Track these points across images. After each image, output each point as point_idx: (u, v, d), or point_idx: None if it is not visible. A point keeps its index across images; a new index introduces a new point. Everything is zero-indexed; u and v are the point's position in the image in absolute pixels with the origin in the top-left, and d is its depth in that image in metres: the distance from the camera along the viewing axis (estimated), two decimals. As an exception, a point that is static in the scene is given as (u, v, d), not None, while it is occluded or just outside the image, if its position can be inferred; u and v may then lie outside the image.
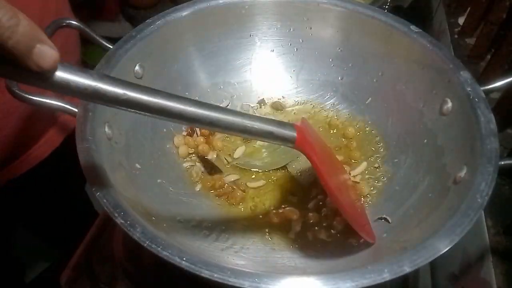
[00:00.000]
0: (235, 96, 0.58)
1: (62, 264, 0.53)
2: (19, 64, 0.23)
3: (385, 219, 0.45)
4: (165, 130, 0.53)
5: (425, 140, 0.47)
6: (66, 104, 0.40)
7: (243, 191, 0.50)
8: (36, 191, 0.67)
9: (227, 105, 0.58)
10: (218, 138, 0.55)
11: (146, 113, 0.29)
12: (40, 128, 0.60)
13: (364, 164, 0.52)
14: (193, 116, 0.30)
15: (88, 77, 0.26)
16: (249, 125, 0.33)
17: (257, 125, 0.33)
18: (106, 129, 0.42)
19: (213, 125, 0.31)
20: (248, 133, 0.33)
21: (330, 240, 0.46)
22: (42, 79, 0.24)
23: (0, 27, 0.21)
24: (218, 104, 0.57)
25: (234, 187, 0.50)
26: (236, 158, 0.53)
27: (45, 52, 0.23)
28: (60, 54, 0.24)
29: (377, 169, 0.51)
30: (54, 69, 0.24)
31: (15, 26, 0.21)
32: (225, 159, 0.53)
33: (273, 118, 0.37)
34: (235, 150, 0.53)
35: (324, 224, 0.47)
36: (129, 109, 0.29)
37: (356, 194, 0.48)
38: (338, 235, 0.46)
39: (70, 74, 0.25)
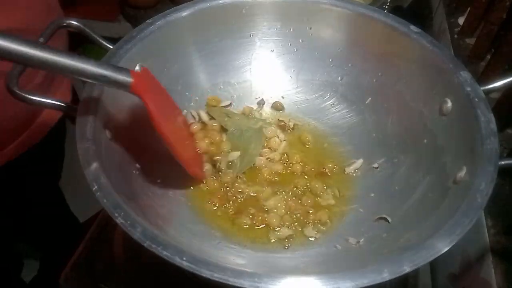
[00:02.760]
0: (235, 96, 0.58)
1: (62, 264, 0.53)
2: None
3: (385, 219, 0.45)
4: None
5: (425, 140, 0.47)
6: (66, 104, 0.40)
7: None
8: (45, 193, 0.67)
9: (228, 105, 0.58)
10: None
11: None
12: (30, 113, 0.61)
13: (361, 160, 0.52)
14: (25, 56, 0.32)
15: None
16: (83, 67, 0.35)
17: (91, 68, 0.35)
18: (106, 129, 0.42)
19: (46, 66, 0.33)
20: (82, 75, 0.35)
21: (329, 239, 0.46)
22: None
23: None
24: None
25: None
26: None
27: None
28: None
29: (377, 169, 0.51)
30: None
31: None
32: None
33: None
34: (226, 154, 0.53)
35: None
36: None
37: (194, 143, 0.52)
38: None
39: None
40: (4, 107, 0.54)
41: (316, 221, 0.47)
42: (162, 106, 0.43)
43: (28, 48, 0.32)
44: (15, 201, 0.71)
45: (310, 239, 0.46)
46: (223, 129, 0.55)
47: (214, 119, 0.56)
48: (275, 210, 0.48)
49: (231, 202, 0.49)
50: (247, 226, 0.47)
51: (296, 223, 0.47)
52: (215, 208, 0.48)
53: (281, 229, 0.47)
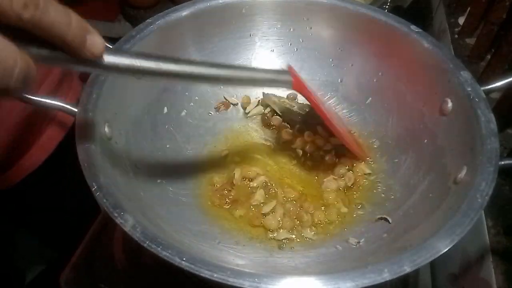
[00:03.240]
0: (235, 96, 0.58)
1: (62, 264, 0.53)
2: (75, 53, 0.27)
3: (385, 219, 0.45)
4: (166, 128, 0.53)
5: (425, 140, 0.47)
6: (66, 104, 0.40)
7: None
8: (35, 192, 0.66)
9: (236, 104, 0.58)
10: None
11: (179, 80, 0.38)
12: (33, 134, 0.60)
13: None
14: (202, 75, 0.35)
15: (129, 57, 0.31)
16: (255, 76, 0.40)
17: (261, 75, 0.40)
18: (106, 129, 0.42)
19: (225, 81, 0.38)
20: (255, 84, 0.41)
21: (330, 239, 0.46)
22: (95, 64, 0.29)
23: (60, 24, 0.25)
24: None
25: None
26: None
27: (96, 40, 0.27)
28: None
29: (377, 169, 0.51)
30: (103, 53, 0.28)
31: (69, 23, 0.25)
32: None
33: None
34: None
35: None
36: (163, 78, 0.34)
37: (346, 126, 0.55)
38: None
39: (116, 56, 0.30)
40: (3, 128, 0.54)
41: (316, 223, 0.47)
42: (317, 96, 0.48)
43: (189, 66, 0.34)
44: (16, 207, 0.71)
45: (308, 239, 0.46)
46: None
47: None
48: (273, 213, 0.48)
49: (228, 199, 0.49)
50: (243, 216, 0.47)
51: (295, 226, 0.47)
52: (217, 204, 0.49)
53: (280, 232, 0.46)
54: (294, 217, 0.47)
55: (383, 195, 0.49)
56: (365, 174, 0.51)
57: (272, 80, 0.42)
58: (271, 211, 0.48)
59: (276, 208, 0.48)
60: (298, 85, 0.43)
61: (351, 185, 0.50)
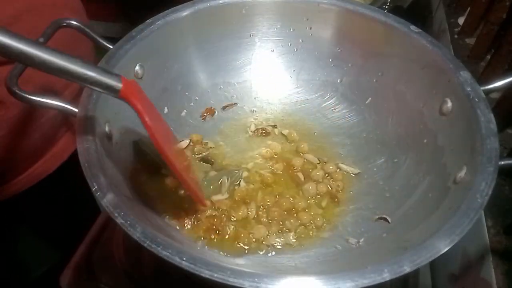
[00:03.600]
0: (235, 96, 0.58)
1: (63, 265, 0.53)
2: None
3: (385, 219, 0.45)
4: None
5: (425, 140, 0.47)
6: (66, 104, 0.40)
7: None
8: (42, 195, 0.66)
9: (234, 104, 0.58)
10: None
11: None
12: (48, 143, 0.60)
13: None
14: (17, 53, 0.30)
15: None
16: (70, 68, 0.33)
17: (79, 69, 0.33)
18: (106, 129, 0.42)
19: (35, 64, 0.32)
20: (69, 76, 0.33)
21: (330, 240, 0.46)
22: None
23: None
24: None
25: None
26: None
27: None
28: None
29: (377, 170, 0.51)
30: None
31: None
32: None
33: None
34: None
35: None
36: None
37: (186, 160, 0.48)
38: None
39: None
40: (20, 135, 0.54)
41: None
42: (154, 118, 0.40)
43: (16, 43, 0.30)
44: (20, 208, 0.71)
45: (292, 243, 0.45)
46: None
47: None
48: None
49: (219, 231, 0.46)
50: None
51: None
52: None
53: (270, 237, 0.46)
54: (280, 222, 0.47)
55: (383, 195, 0.49)
56: (353, 174, 0.51)
57: (94, 79, 0.34)
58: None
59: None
60: (127, 94, 0.36)
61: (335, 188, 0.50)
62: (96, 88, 0.35)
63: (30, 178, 0.60)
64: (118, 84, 0.35)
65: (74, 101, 0.53)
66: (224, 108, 0.57)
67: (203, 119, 0.56)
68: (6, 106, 0.50)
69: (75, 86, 0.59)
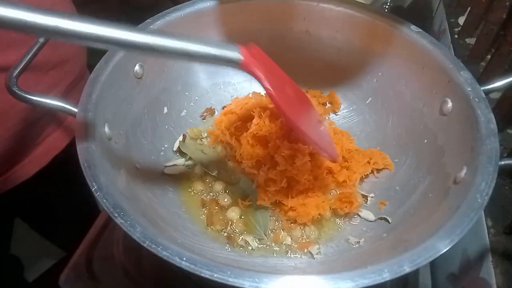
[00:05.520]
0: (235, 96, 0.58)
1: (63, 265, 0.53)
2: None
3: (385, 219, 0.46)
4: (166, 128, 0.53)
5: (425, 140, 0.47)
6: (66, 104, 0.40)
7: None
8: (39, 192, 0.66)
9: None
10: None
11: (82, 41, 0.29)
12: (39, 134, 0.59)
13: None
14: (127, 42, 0.30)
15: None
16: (188, 48, 0.32)
17: (197, 47, 0.32)
18: (106, 129, 0.42)
19: (150, 50, 0.31)
20: (188, 57, 0.33)
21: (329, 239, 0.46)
22: None
23: None
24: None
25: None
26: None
27: None
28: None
29: (377, 170, 0.51)
30: None
31: None
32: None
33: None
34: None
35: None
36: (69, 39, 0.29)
37: (318, 116, 0.47)
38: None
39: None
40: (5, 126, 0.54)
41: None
42: (278, 82, 0.39)
43: (128, 33, 0.30)
44: (18, 203, 0.71)
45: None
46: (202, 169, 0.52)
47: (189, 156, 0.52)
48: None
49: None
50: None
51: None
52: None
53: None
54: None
55: (383, 195, 0.49)
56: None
57: (213, 56, 0.33)
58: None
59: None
60: (248, 64, 0.35)
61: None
62: (217, 64, 0.34)
63: (8, 181, 0.59)
64: (238, 57, 0.34)
65: (67, 94, 0.53)
66: (224, 108, 0.57)
67: (203, 119, 0.57)
68: None
69: (61, 87, 0.58)
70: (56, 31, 0.27)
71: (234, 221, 0.47)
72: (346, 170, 0.50)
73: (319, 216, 0.47)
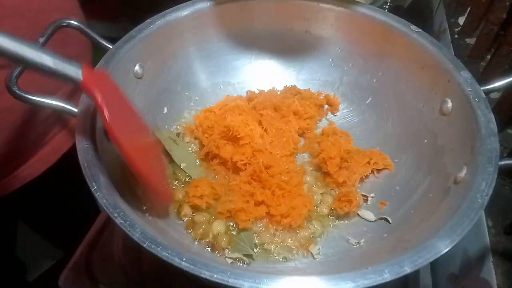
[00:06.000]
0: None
1: (63, 265, 0.53)
2: None
3: (386, 219, 0.45)
4: (166, 127, 0.52)
5: (425, 140, 0.47)
6: (66, 104, 0.40)
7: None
8: (42, 193, 0.66)
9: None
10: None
11: None
12: (47, 133, 0.60)
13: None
14: None
15: None
16: (24, 54, 0.30)
17: (34, 55, 0.31)
18: (106, 129, 0.42)
19: None
20: (23, 62, 0.31)
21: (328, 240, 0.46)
22: None
23: None
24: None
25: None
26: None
27: None
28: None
29: (377, 170, 0.51)
30: None
31: None
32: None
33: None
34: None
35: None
36: None
37: (156, 154, 0.45)
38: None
39: None
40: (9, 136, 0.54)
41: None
42: (119, 111, 0.38)
43: None
44: (19, 205, 0.71)
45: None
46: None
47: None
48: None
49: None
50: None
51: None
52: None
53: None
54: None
55: (383, 195, 0.49)
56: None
57: (47, 66, 0.32)
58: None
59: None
60: (88, 85, 0.33)
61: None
62: (55, 78, 0.33)
63: (15, 181, 0.59)
64: (78, 74, 0.33)
65: (70, 99, 0.53)
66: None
67: None
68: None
69: (69, 86, 0.58)
70: None
71: (219, 235, 0.45)
72: (346, 170, 0.49)
73: (309, 212, 0.46)
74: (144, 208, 0.41)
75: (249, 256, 0.43)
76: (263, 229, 0.46)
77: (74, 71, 0.33)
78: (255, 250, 0.44)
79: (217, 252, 0.43)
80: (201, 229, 0.45)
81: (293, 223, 0.45)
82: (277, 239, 0.45)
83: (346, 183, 0.49)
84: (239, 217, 0.45)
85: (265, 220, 0.46)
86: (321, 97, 0.57)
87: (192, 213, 0.46)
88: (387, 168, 0.51)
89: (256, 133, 0.50)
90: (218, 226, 0.45)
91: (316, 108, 0.56)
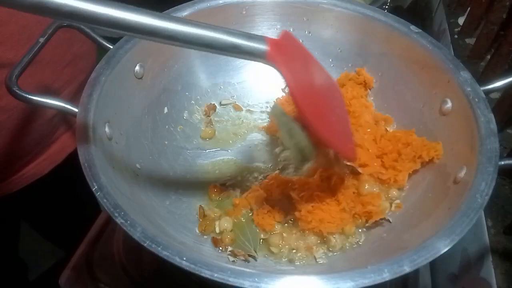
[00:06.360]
0: (235, 96, 0.58)
1: (63, 265, 0.53)
2: None
3: (386, 219, 0.45)
4: (166, 128, 0.53)
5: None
6: (66, 104, 0.40)
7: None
8: (43, 192, 0.66)
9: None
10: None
11: (101, 26, 0.28)
12: (53, 132, 0.60)
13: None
14: (147, 28, 0.28)
15: None
16: (209, 37, 0.30)
17: (218, 37, 0.30)
18: (106, 129, 0.42)
19: (169, 38, 0.29)
20: (209, 47, 0.30)
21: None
22: None
23: None
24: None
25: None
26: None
27: None
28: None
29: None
30: None
31: None
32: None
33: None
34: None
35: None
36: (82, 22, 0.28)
37: (345, 112, 0.44)
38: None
39: None
40: (15, 136, 0.54)
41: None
42: (305, 76, 0.37)
43: (148, 19, 0.28)
44: (21, 205, 0.71)
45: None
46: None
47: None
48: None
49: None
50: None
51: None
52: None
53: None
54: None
55: (383, 195, 0.49)
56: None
57: (233, 45, 0.31)
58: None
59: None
60: (274, 57, 0.32)
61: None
62: (239, 56, 0.32)
63: (22, 180, 0.59)
64: (263, 47, 0.32)
65: (74, 99, 0.53)
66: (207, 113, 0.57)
67: (207, 116, 0.57)
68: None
69: (74, 86, 0.59)
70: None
71: (224, 232, 0.45)
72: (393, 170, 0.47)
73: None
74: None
75: (252, 256, 0.43)
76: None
77: (258, 47, 0.32)
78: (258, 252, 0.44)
79: (219, 248, 0.43)
80: (208, 222, 0.45)
81: (324, 229, 0.43)
82: (284, 242, 0.45)
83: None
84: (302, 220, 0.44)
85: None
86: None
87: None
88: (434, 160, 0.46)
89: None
90: (226, 223, 0.45)
91: (358, 87, 0.54)
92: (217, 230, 0.45)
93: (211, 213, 0.47)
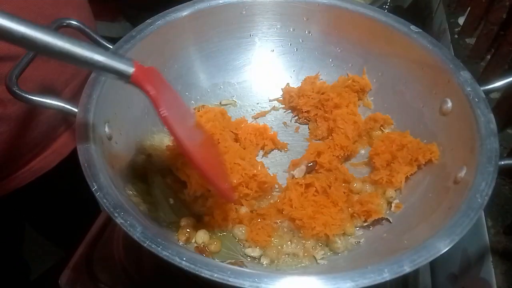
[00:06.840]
0: (235, 96, 0.58)
1: (63, 265, 0.53)
2: None
3: (386, 219, 0.45)
4: (166, 128, 0.52)
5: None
6: (65, 104, 0.40)
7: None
8: (43, 192, 0.66)
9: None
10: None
11: None
12: (59, 126, 0.60)
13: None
14: (18, 35, 0.28)
15: None
16: (75, 52, 0.31)
17: (86, 53, 0.31)
18: (106, 129, 0.42)
19: (37, 48, 0.29)
20: (75, 61, 0.31)
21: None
22: None
23: None
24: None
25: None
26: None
27: None
28: None
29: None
30: None
31: None
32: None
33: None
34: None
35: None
36: None
37: (216, 152, 0.44)
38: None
39: None
40: (20, 131, 0.54)
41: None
42: (171, 105, 0.37)
43: (17, 26, 0.28)
44: (23, 205, 0.71)
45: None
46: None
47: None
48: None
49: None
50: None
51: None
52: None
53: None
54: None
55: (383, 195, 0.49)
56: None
57: (100, 63, 0.32)
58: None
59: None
60: (139, 79, 0.34)
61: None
62: (106, 74, 0.33)
63: (29, 173, 0.60)
64: (129, 69, 0.33)
65: (74, 99, 0.53)
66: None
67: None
68: (4, 104, 0.50)
69: (75, 84, 0.59)
70: None
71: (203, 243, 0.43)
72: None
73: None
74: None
75: (241, 262, 0.42)
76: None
77: (124, 67, 0.33)
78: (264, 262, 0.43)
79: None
80: (186, 234, 0.43)
81: (329, 231, 0.43)
82: (280, 254, 0.44)
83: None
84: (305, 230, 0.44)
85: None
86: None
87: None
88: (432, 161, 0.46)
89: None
90: (203, 236, 0.43)
91: (354, 95, 0.55)
92: (195, 243, 0.43)
93: (186, 225, 0.44)
